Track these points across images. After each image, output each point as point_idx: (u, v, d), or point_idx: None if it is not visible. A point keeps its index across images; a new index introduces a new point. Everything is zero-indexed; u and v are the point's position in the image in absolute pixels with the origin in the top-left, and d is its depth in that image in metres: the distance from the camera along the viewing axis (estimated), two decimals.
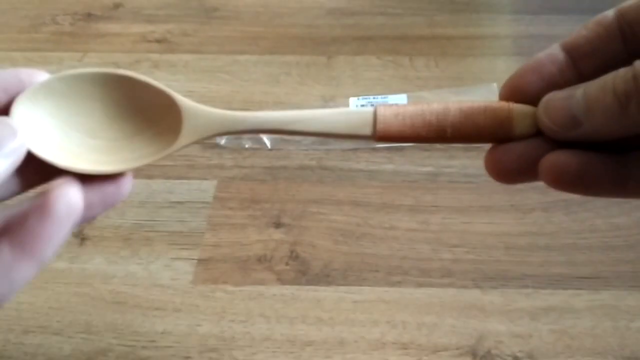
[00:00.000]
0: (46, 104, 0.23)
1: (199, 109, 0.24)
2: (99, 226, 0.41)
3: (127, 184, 0.24)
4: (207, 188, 0.44)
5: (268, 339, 0.35)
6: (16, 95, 0.23)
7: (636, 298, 0.36)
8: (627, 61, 0.22)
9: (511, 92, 0.24)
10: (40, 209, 0.21)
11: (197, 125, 0.24)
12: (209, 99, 0.51)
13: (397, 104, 0.24)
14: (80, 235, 0.41)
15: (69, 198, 0.21)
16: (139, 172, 0.45)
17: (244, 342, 0.35)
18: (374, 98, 0.49)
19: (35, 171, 0.23)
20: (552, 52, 0.24)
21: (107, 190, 0.23)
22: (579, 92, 0.22)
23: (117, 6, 0.61)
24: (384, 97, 0.49)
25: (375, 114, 0.23)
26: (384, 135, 0.23)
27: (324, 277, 0.38)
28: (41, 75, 0.24)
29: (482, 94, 0.49)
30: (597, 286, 0.37)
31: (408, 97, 0.49)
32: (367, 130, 0.23)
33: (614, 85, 0.21)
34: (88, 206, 0.22)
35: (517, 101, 0.24)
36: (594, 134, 0.22)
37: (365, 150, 0.46)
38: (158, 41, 0.57)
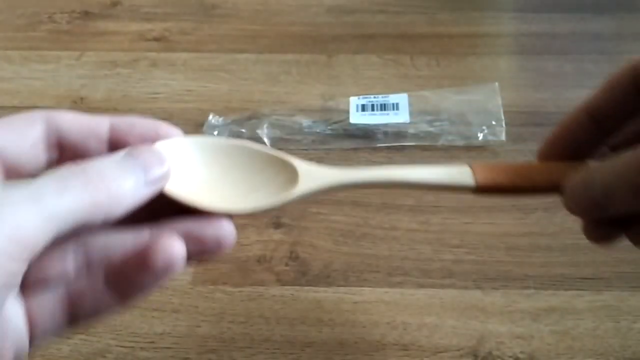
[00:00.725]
0: (177, 157, 0.24)
1: (314, 169, 0.25)
2: None
3: (229, 241, 0.23)
4: None
5: (268, 340, 0.35)
6: None
7: (638, 299, 0.36)
8: None
9: (546, 158, 0.27)
10: (142, 260, 0.21)
11: (312, 181, 0.25)
12: (207, 98, 0.50)
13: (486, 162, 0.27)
14: None
15: (171, 253, 0.21)
16: None
17: (244, 343, 0.35)
18: (374, 97, 0.49)
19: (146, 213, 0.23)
20: (576, 116, 0.27)
21: (208, 244, 0.23)
22: (597, 179, 0.24)
23: (114, 4, 0.60)
24: (385, 97, 0.49)
25: (471, 167, 0.26)
26: (485, 184, 0.26)
27: (324, 278, 0.38)
28: (177, 133, 0.24)
29: (484, 94, 0.49)
30: (599, 287, 0.37)
31: (409, 97, 0.49)
32: (470, 181, 0.26)
33: (629, 177, 0.22)
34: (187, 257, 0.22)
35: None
36: (621, 213, 0.24)
37: (366, 151, 0.46)
38: (156, 39, 0.57)
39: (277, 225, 0.41)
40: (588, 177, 0.24)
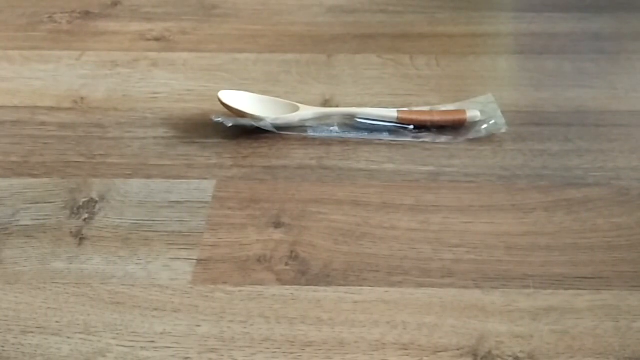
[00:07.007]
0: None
1: (306, 107, 0.49)
2: (98, 226, 0.41)
3: None
4: (206, 188, 0.43)
5: (268, 339, 0.35)
6: None
7: (638, 298, 0.36)
8: None
9: None
10: None
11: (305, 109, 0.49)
12: (207, 97, 0.50)
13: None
14: (79, 235, 0.40)
15: None
16: (137, 172, 0.45)
17: (244, 342, 0.35)
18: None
19: None
20: None
21: None
22: None
23: (115, 4, 0.61)
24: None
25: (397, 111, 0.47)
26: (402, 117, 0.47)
27: (324, 278, 0.38)
28: None
29: (481, 105, 0.48)
30: (598, 286, 0.37)
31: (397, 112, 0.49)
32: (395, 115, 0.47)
33: None
34: None
35: None
36: None
37: (366, 150, 0.46)
38: (156, 39, 0.57)
39: (277, 225, 0.41)
40: None
